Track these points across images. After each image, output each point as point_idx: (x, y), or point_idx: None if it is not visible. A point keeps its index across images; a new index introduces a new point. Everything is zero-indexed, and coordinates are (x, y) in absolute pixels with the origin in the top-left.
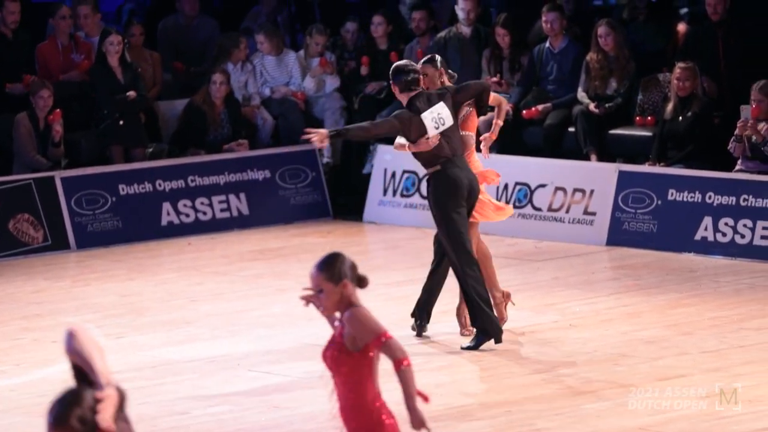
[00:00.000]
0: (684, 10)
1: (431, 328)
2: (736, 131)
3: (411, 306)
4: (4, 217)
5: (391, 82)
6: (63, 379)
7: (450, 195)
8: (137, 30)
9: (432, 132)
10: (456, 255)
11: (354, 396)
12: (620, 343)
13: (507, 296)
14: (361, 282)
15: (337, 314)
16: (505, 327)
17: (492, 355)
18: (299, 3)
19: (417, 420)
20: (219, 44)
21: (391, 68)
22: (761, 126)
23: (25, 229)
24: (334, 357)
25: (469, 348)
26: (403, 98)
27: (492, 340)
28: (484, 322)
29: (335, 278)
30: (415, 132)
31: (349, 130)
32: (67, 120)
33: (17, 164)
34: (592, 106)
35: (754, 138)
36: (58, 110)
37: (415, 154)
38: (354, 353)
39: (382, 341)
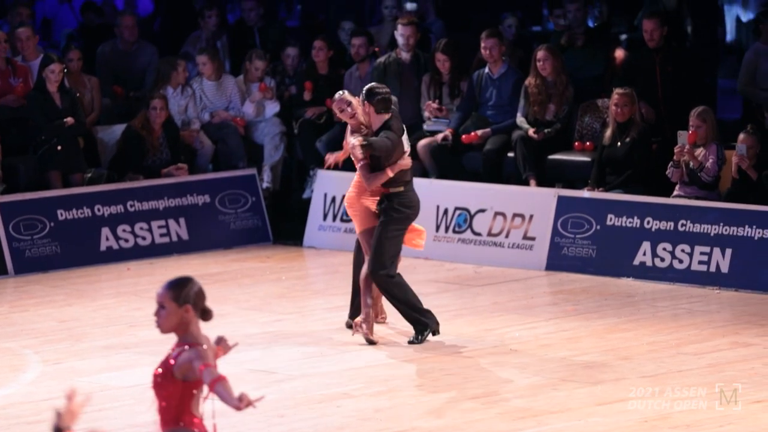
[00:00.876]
0: (623, 37)
1: (370, 352)
2: (674, 157)
3: (347, 332)
4: None
5: (365, 102)
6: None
7: (407, 217)
8: (75, 55)
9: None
10: (383, 270)
11: (172, 417)
12: (559, 367)
13: (376, 315)
14: (205, 314)
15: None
16: (445, 353)
17: (431, 380)
18: (238, 28)
19: (241, 400)
20: (158, 68)
21: (365, 90)
22: (698, 152)
23: None
24: (158, 381)
25: (413, 342)
26: (377, 120)
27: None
28: (418, 319)
29: (180, 300)
30: (398, 154)
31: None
32: (5, 145)
33: None
34: (531, 132)
35: (691, 164)
36: None
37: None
38: (179, 381)
39: (214, 387)
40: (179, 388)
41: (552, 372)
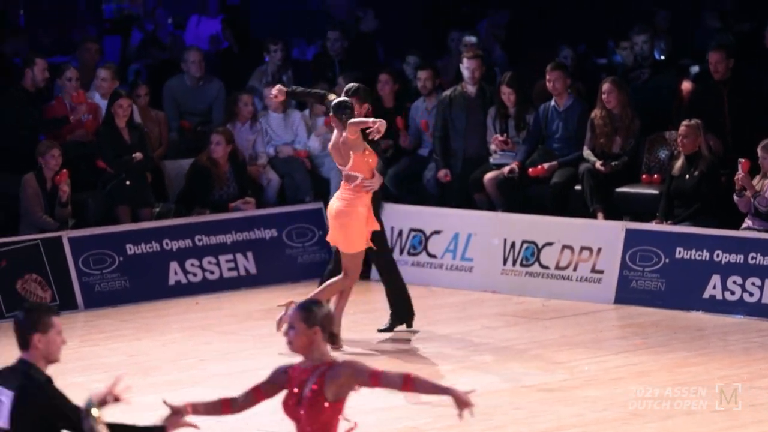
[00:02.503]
0: (695, 69)
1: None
2: (735, 185)
3: (416, 364)
4: (12, 278)
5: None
6: None
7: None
8: (143, 90)
9: None
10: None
11: None
12: (629, 402)
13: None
14: (333, 338)
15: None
16: (513, 387)
17: (500, 414)
18: (319, 60)
19: (461, 397)
20: (227, 103)
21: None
22: (756, 180)
23: (33, 289)
24: (301, 407)
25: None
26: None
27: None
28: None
29: (309, 321)
30: None
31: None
32: (74, 180)
33: (24, 224)
34: (598, 164)
35: (747, 191)
36: (65, 170)
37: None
38: (330, 403)
39: (379, 380)
40: (329, 410)
41: (622, 406)
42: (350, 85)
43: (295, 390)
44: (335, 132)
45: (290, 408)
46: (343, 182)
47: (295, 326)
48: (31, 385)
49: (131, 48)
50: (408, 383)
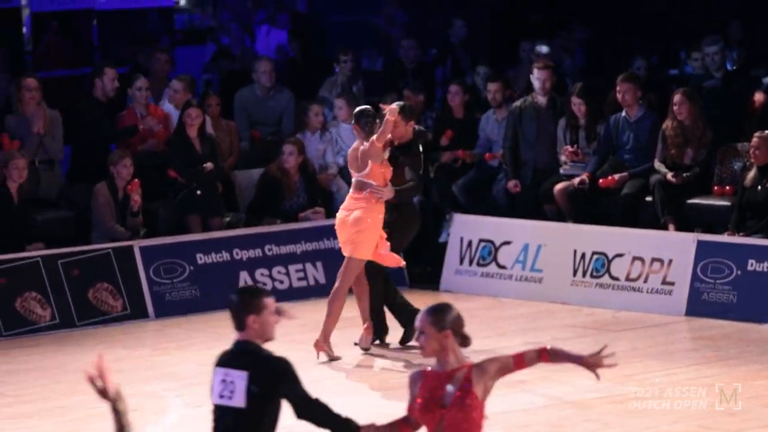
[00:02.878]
0: (764, 80)
1: (508, 398)
2: None
3: None
4: (83, 287)
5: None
6: None
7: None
8: (213, 100)
9: None
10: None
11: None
12: (701, 415)
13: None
14: (465, 340)
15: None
16: (583, 399)
17: (570, 427)
18: (391, 69)
19: (593, 359)
20: (297, 113)
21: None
22: None
23: (105, 298)
24: (460, 408)
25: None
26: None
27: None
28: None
29: (438, 325)
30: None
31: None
32: (145, 189)
33: (96, 234)
34: (669, 176)
35: None
36: (136, 180)
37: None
38: (480, 401)
39: (523, 361)
40: (479, 408)
41: (693, 419)
42: (398, 103)
43: (436, 394)
44: (357, 139)
45: (428, 412)
46: (352, 191)
47: (425, 331)
48: (262, 362)
49: (203, 59)
50: (544, 356)
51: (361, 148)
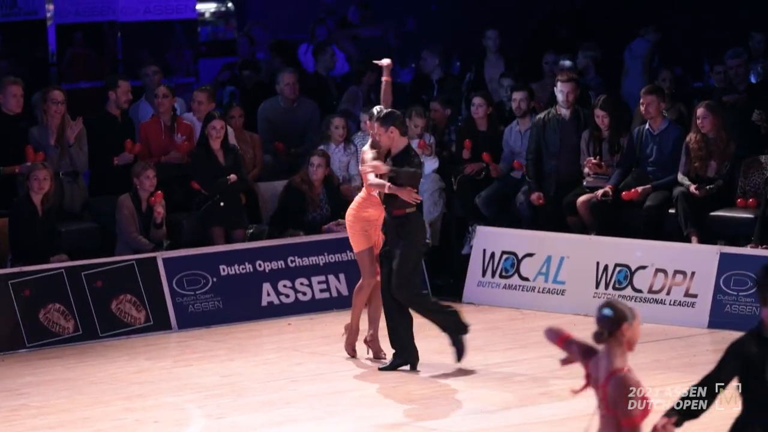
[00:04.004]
0: None
1: (531, 409)
2: None
3: (511, 386)
4: (107, 298)
5: (387, 125)
6: None
7: (423, 236)
8: (237, 112)
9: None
10: (413, 288)
11: None
12: (723, 427)
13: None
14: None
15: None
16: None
17: None
18: (416, 80)
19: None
20: (321, 126)
21: (385, 114)
22: None
23: (128, 309)
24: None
25: (385, 369)
26: (402, 141)
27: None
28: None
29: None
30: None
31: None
32: (169, 201)
33: (119, 245)
34: (692, 188)
35: None
36: (159, 192)
37: (392, 195)
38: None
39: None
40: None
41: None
42: (389, 110)
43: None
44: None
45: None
46: (363, 193)
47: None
48: None
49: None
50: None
51: (363, 148)
